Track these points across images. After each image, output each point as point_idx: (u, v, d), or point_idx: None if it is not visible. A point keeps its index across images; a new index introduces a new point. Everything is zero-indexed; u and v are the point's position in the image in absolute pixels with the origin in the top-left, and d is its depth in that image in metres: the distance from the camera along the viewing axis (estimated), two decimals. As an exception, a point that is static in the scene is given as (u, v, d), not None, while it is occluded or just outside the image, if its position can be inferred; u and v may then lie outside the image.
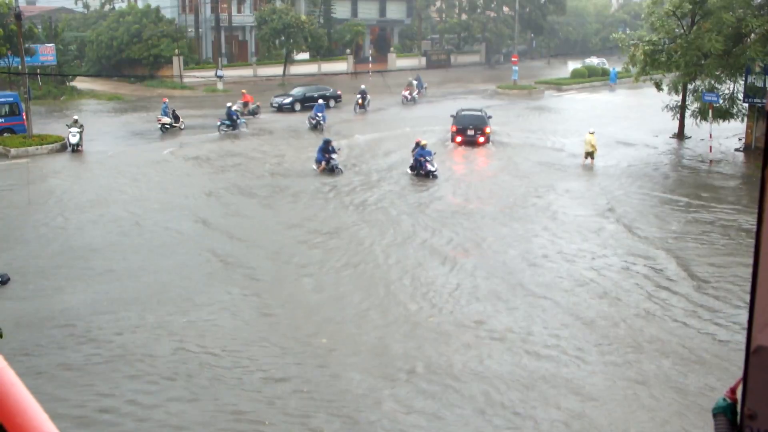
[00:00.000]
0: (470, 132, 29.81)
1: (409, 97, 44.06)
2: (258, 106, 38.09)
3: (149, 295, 14.43)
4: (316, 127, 33.89)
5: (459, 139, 29.93)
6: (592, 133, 26.48)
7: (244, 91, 40.20)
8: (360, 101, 39.99)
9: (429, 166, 24.10)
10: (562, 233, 18.54)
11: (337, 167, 24.92)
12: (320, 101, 36.30)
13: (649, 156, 28.71)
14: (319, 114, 34.16)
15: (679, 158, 29.03)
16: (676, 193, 23.14)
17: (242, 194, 22.43)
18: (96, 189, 22.90)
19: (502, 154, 28.96)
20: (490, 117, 31.44)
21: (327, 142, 25.19)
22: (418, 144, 24.73)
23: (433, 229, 18.74)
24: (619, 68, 55.74)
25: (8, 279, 14.75)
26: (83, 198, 21.83)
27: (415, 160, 24.46)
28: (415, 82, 45.98)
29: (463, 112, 31.24)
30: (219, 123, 32.94)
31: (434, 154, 24.82)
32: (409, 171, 24.74)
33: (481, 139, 29.83)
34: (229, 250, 17.16)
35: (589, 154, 26.40)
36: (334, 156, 24.93)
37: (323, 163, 24.87)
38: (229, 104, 33.98)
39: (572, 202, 21.70)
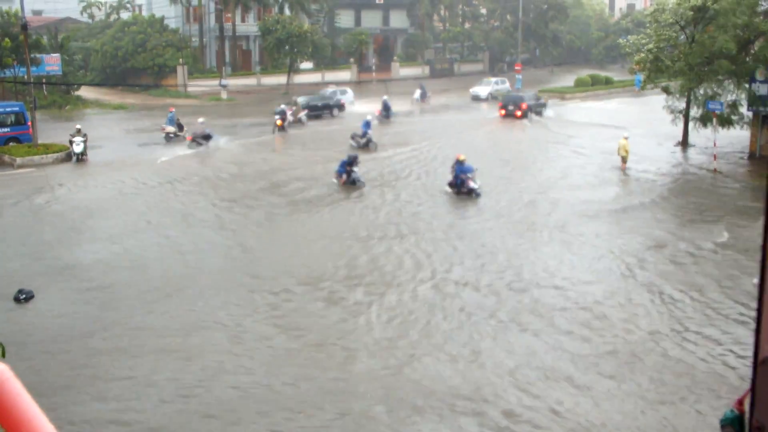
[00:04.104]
0: (510, 107, 40.04)
1: (293, 119, 36.66)
2: None
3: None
4: (367, 145, 30.57)
5: (503, 112, 40.19)
6: (626, 138, 27.39)
7: None
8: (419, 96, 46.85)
9: (471, 184, 22.74)
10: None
11: (359, 180, 24.07)
12: (368, 117, 32.75)
13: (653, 164, 28.61)
14: (369, 131, 31.23)
15: (684, 167, 28.95)
16: (680, 201, 23.10)
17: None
18: (101, 202, 22.98)
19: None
20: (541, 100, 42.57)
21: (355, 158, 24.28)
22: (457, 160, 23.29)
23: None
24: (622, 77, 55.90)
25: (33, 295, 14.68)
26: (91, 209, 21.90)
27: (455, 177, 23.07)
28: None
29: (508, 94, 43.23)
30: (378, 114, 37.90)
31: (476, 170, 23.27)
32: (448, 189, 23.32)
33: (519, 113, 39.46)
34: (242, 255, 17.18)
35: (623, 158, 27.22)
36: (355, 169, 24.03)
37: (344, 176, 24.03)
38: (385, 97, 39.93)
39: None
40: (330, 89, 44.96)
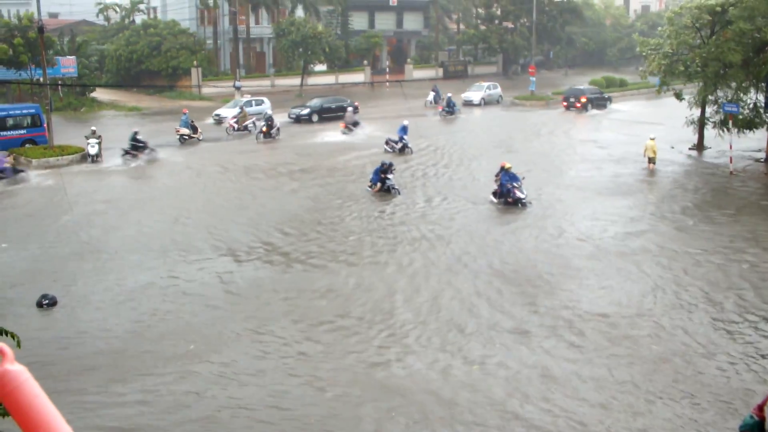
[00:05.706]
0: (571, 99, 46.05)
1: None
2: None
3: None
4: (402, 151, 30.01)
5: (565, 104, 46.25)
6: (653, 139, 27.62)
7: None
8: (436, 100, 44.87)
9: (518, 193, 21.49)
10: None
11: (393, 187, 23.16)
12: (405, 122, 31.31)
13: (670, 167, 28.42)
14: (406, 137, 30.33)
15: (700, 169, 28.71)
16: (696, 202, 22.91)
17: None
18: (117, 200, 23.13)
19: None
20: (603, 94, 47.58)
21: (389, 165, 23.42)
22: (502, 168, 22.03)
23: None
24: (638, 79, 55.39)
25: (56, 301, 14.61)
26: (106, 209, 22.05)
27: (501, 185, 21.81)
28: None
29: (570, 88, 48.56)
30: (441, 110, 41.84)
31: (523, 179, 22.09)
32: (492, 199, 22.11)
33: (578, 105, 45.33)
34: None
35: (651, 160, 27.39)
36: (390, 177, 23.16)
37: (378, 183, 23.20)
38: (449, 94, 43.00)
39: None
40: (245, 98, 42.74)
